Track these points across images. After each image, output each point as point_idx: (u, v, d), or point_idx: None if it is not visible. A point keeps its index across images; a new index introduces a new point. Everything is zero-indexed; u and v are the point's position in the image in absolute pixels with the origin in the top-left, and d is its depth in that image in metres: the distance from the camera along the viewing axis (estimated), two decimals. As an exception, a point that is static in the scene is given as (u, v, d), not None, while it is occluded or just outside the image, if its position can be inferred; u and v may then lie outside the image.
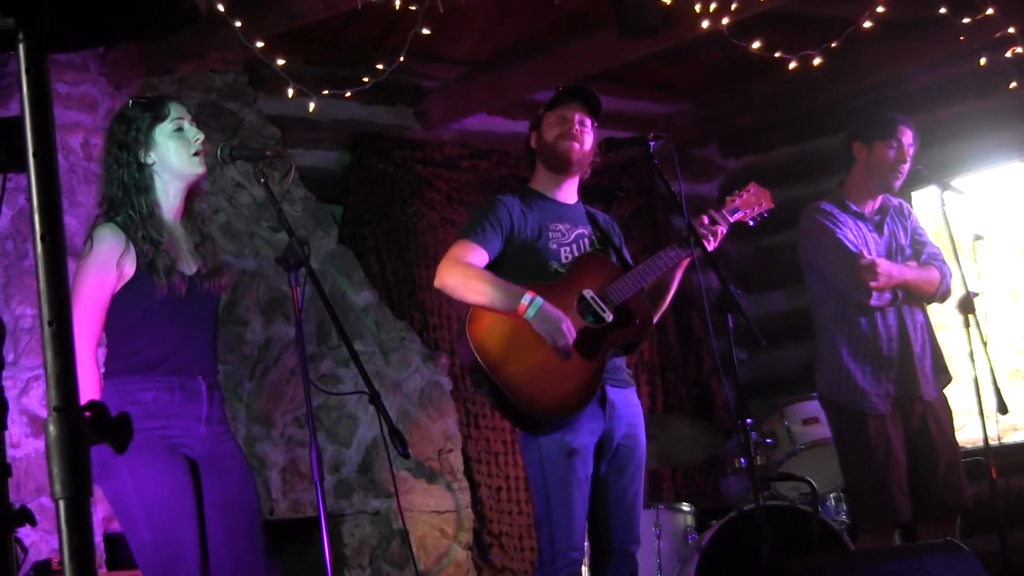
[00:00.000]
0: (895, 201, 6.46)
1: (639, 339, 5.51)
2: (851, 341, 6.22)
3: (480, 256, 5.24)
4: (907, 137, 6.30)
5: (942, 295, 6.32)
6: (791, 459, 7.13)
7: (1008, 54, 7.63)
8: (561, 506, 5.08)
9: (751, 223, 5.72)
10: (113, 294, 4.47)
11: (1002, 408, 6.09)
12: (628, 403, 5.34)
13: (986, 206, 8.49)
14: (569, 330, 5.09)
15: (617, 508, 5.25)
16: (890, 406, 6.15)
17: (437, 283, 5.29)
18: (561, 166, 5.44)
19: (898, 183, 6.33)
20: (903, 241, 6.39)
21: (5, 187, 2.33)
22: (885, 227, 6.37)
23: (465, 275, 5.19)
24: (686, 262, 5.45)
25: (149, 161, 4.55)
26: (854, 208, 6.34)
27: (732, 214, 5.60)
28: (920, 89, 8.94)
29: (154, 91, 7.07)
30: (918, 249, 6.40)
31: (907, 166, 6.31)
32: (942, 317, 7.20)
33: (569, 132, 5.39)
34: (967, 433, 7.52)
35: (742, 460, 7.08)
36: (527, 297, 5.07)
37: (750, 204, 5.66)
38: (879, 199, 6.41)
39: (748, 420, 5.55)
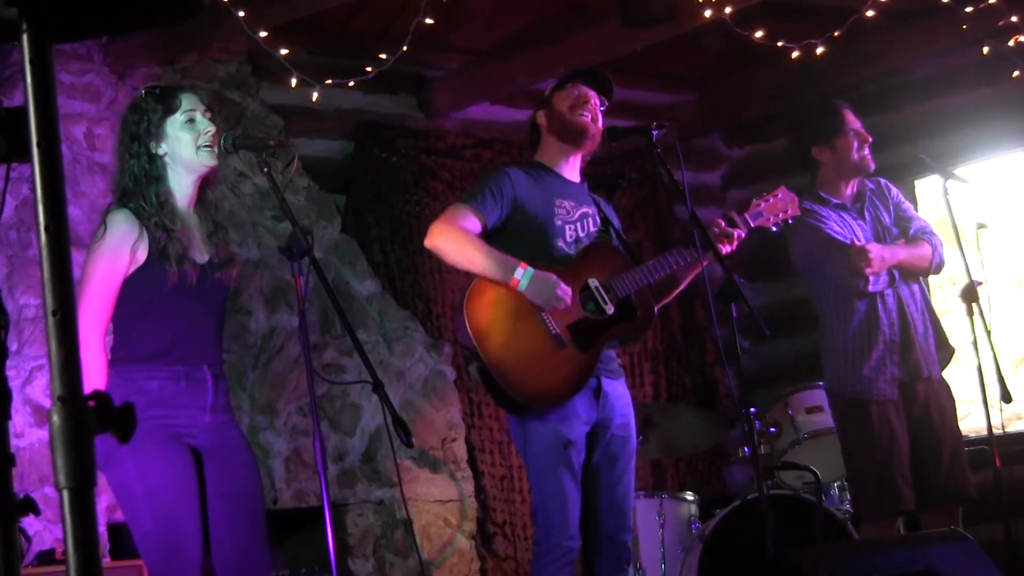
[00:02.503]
0: (870, 183, 6.46)
1: (637, 335, 5.51)
2: (853, 330, 6.21)
3: (473, 223, 5.20)
4: (852, 117, 6.33)
5: (936, 267, 6.32)
6: (795, 448, 7.12)
7: (1011, 43, 7.63)
8: (555, 497, 5.07)
9: (774, 229, 5.67)
10: (124, 280, 4.47)
11: (1006, 397, 6.09)
12: (619, 393, 5.34)
13: (989, 194, 8.49)
14: (565, 293, 5.08)
15: (610, 498, 5.24)
16: (896, 391, 6.15)
17: (428, 243, 5.25)
18: (574, 137, 5.42)
19: (872, 164, 6.33)
20: (887, 222, 6.39)
21: (9, 177, 2.33)
22: (866, 212, 6.37)
23: (459, 240, 5.15)
24: (699, 267, 5.41)
25: (160, 152, 4.55)
26: (834, 201, 6.34)
27: (754, 219, 5.55)
28: (923, 78, 8.94)
29: (157, 81, 7.07)
30: (904, 226, 6.39)
31: (869, 142, 6.32)
32: (946, 304, 7.19)
33: (585, 106, 5.40)
34: (971, 422, 7.52)
35: (746, 449, 7.10)
36: (519, 271, 5.05)
37: (775, 210, 5.62)
38: (854, 184, 6.40)
39: (752, 409, 5.56)
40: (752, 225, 5.54)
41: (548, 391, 5.11)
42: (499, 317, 5.12)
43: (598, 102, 5.45)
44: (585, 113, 5.39)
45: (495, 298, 5.12)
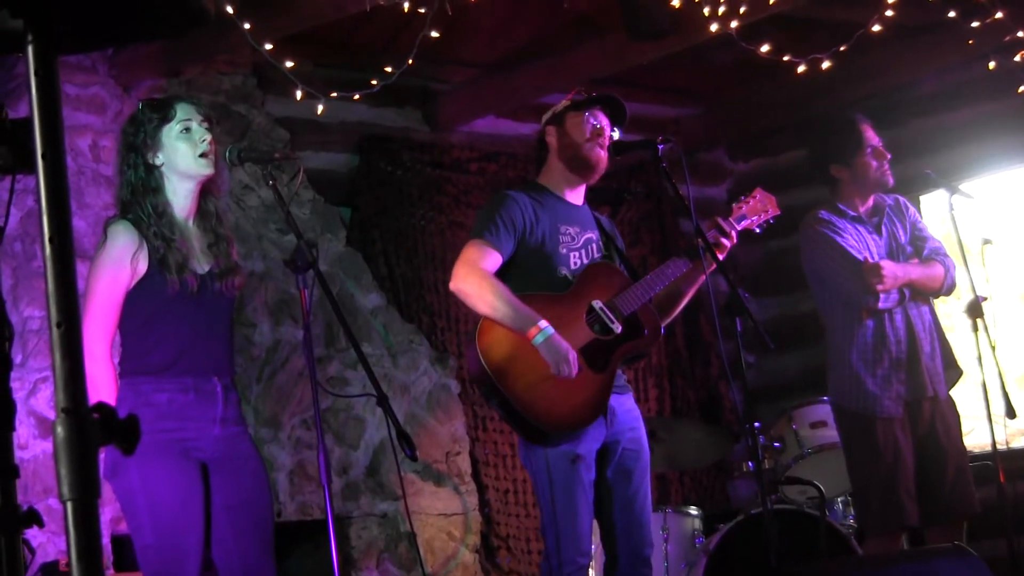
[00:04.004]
0: (889, 199, 6.46)
1: (647, 350, 5.50)
2: (860, 346, 6.21)
3: (494, 260, 5.18)
4: (871, 134, 6.32)
5: (948, 289, 6.32)
6: (799, 463, 7.12)
7: (1017, 58, 7.64)
8: (566, 512, 5.06)
9: (758, 230, 5.69)
10: (127, 291, 4.48)
11: (1010, 412, 6.08)
12: (627, 408, 5.34)
13: (995, 210, 8.48)
14: (573, 364, 5.05)
15: (628, 513, 5.23)
16: (901, 408, 6.14)
17: (453, 286, 5.22)
18: (584, 170, 5.40)
19: (891, 179, 6.33)
20: (902, 240, 6.39)
21: (14, 189, 2.33)
22: (883, 228, 6.37)
23: (481, 286, 5.12)
24: (702, 278, 5.42)
25: (158, 162, 4.56)
26: (851, 213, 6.34)
27: (739, 222, 5.57)
28: (929, 93, 8.94)
29: (162, 93, 7.07)
30: (919, 245, 6.39)
31: (888, 158, 6.31)
32: (951, 320, 7.18)
33: (599, 138, 5.37)
34: (975, 437, 7.51)
35: (750, 464, 7.09)
36: (535, 329, 5.03)
37: (756, 211, 5.64)
38: (871, 199, 6.41)
39: (756, 424, 5.56)
40: (738, 228, 5.55)
41: (570, 417, 5.09)
42: (512, 349, 5.10)
43: (610, 131, 5.43)
44: (599, 148, 5.37)
45: (506, 331, 5.12)
